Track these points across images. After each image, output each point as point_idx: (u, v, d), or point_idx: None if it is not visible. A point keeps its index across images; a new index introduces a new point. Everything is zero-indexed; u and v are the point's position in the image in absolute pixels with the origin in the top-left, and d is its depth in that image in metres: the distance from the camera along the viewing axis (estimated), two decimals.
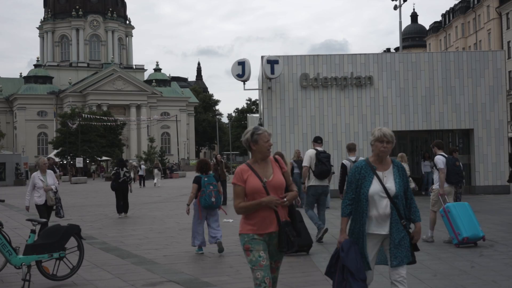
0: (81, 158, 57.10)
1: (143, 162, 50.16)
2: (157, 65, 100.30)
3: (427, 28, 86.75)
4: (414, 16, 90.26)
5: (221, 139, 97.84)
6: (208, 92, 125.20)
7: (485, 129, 20.78)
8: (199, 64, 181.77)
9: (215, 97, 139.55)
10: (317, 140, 10.53)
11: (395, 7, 34.07)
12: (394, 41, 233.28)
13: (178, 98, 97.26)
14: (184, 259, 9.06)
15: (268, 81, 20.34)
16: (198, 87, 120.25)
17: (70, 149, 62.65)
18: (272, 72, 19.83)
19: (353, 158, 10.41)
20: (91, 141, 64.69)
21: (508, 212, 14.60)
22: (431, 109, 20.74)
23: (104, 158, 65.42)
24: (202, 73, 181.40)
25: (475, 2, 67.74)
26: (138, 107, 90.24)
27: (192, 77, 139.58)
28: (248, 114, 63.60)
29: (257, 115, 33.21)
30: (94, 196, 26.96)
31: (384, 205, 4.60)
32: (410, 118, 20.78)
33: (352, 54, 21.33)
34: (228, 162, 47.46)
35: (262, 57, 20.36)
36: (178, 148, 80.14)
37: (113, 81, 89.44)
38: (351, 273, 4.52)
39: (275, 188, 4.49)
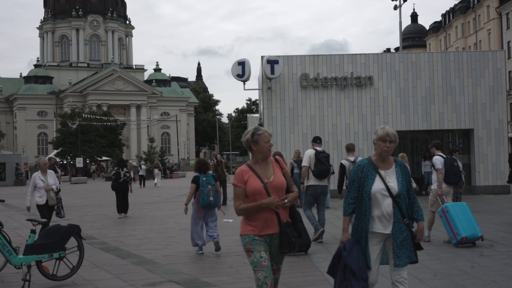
0: (81, 158, 57.11)
1: (143, 162, 50.15)
2: (157, 65, 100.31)
3: (427, 28, 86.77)
4: (414, 16, 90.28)
5: (221, 139, 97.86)
6: (208, 92, 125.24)
7: (485, 129, 20.78)
8: (199, 64, 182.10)
9: (215, 97, 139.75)
10: (316, 140, 10.54)
11: (395, 7, 34.08)
12: (394, 41, 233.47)
13: (178, 98, 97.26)
14: (184, 259, 9.06)
15: (268, 81, 20.35)
16: (198, 87, 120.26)
17: (70, 149, 62.67)
18: (272, 72, 19.83)
19: (352, 158, 10.42)
20: (91, 141, 64.70)
21: (508, 212, 14.61)
22: (431, 109, 20.74)
23: (104, 158, 65.43)
24: (202, 73, 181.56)
25: (475, 2, 67.75)
26: (138, 107, 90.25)
27: (192, 77, 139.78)
28: (248, 114, 63.60)
29: (257, 115, 33.22)
30: (94, 196, 26.96)
31: (386, 204, 4.57)
32: (410, 118, 20.78)
33: (352, 54, 21.33)
34: (228, 162, 47.44)
35: (262, 57, 20.36)
36: (178, 148, 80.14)
37: (113, 81, 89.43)
38: (353, 273, 4.50)
39: (276, 189, 4.47)
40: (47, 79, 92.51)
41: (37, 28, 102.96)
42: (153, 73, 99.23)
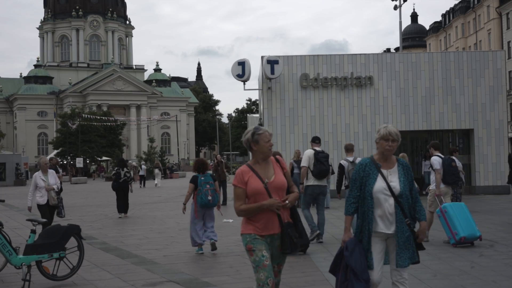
0: (81, 158, 57.13)
1: (143, 162, 50.17)
2: (157, 65, 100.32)
3: (427, 28, 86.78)
4: (414, 16, 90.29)
5: (221, 139, 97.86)
6: (208, 92, 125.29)
7: (485, 129, 20.78)
8: (199, 64, 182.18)
9: (215, 97, 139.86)
10: (315, 140, 10.55)
11: (395, 7, 34.08)
12: (394, 41, 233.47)
13: (178, 98, 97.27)
14: (184, 259, 9.06)
15: (268, 81, 20.34)
16: (198, 87, 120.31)
17: (70, 149, 62.68)
18: (272, 72, 19.83)
19: (350, 159, 10.43)
20: (91, 141, 64.72)
21: (508, 212, 14.60)
22: (431, 109, 20.74)
23: (104, 158, 65.44)
24: (202, 73, 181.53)
25: (475, 2, 67.75)
26: (138, 107, 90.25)
27: (192, 77, 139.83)
28: (248, 114, 63.60)
29: (257, 115, 33.21)
30: (94, 196, 26.96)
31: (388, 204, 4.54)
32: (410, 118, 20.78)
33: (352, 54, 21.33)
34: (228, 162, 47.44)
35: (262, 57, 20.36)
36: (178, 148, 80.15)
37: (113, 81, 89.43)
38: (354, 273, 4.47)
39: (277, 189, 4.45)
40: (47, 79, 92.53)
41: (37, 28, 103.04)
42: (153, 73, 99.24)
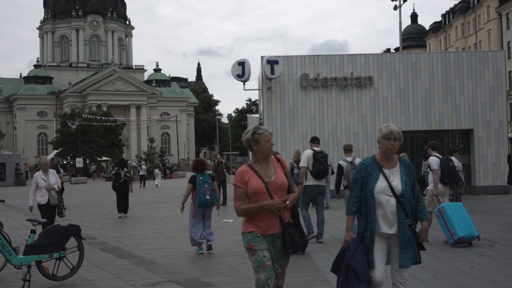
0: (81, 159, 57.13)
1: (143, 162, 50.19)
2: (157, 65, 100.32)
3: (427, 28, 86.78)
4: (414, 16, 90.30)
5: (221, 139, 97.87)
6: (208, 92, 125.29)
7: (485, 129, 20.78)
8: (199, 64, 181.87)
9: (215, 97, 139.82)
10: (314, 141, 10.57)
11: (395, 7, 34.07)
12: (394, 41, 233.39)
13: (178, 99, 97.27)
14: (184, 259, 9.06)
15: (268, 82, 20.35)
16: (198, 87, 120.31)
17: (70, 150, 62.68)
18: (272, 72, 19.83)
19: (349, 159, 10.44)
20: (91, 141, 64.71)
21: (508, 212, 14.60)
22: (431, 109, 20.75)
23: (104, 158, 65.43)
24: (202, 74, 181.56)
25: (475, 2, 67.76)
26: (138, 108, 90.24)
27: (192, 77, 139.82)
28: (248, 115, 63.63)
29: (257, 115, 33.20)
30: (94, 196, 26.96)
31: (390, 204, 4.51)
32: (410, 118, 20.78)
33: (352, 54, 21.33)
34: (228, 162, 47.45)
35: (262, 57, 20.36)
36: (178, 149, 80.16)
37: (113, 82, 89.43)
38: (355, 275, 4.44)
39: (277, 189, 4.44)
40: (47, 79, 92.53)
41: (37, 28, 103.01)
42: (153, 73, 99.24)
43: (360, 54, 21.11)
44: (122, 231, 12.87)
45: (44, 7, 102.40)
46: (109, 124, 66.71)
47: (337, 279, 4.68)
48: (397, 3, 33.88)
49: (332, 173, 14.09)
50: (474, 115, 20.79)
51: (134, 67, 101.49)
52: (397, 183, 4.55)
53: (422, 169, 20.97)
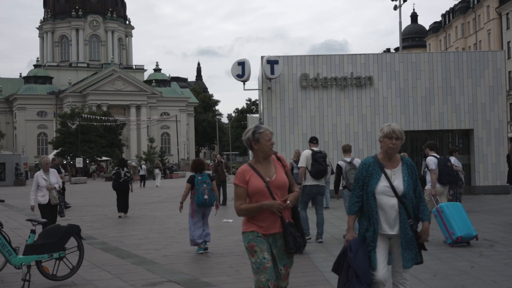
0: (81, 158, 57.13)
1: (143, 162, 50.20)
2: (157, 65, 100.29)
3: (427, 28, 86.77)
4: (414, 16, 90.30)
5: (221, 139, 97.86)
6: (208, 92, 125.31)
7: (485, 129, 20.78)
8: (199, 64, 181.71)
9: (215, 97, 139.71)
10: (313, 141, 10.57)
11: (395, 7, 34.07)
12: (394, 41, 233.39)
13: (178, 98, 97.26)
14: (184, 259, 9.06)
15: (268, 81, 20.35)
16: (198, 87, 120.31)
17: (70, 149, 62.67)
18: (272, 72, 19.83)
19: (348, 159, 10.45)
20: (91, 141, 64.71)
21: (508, 212, 14.59)
22: (431, 109, 20.75)
23: (104, 158, 65.44)
24: (202, 73, 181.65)
25: (475, 2, 67.75)
26: (138, 107, 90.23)
27: (192, 77, 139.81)
28: (248, 114, 63.62)
29: (257, 115, 33.21)
30: (94, 196, 26.95)
31: (392, 204, 4.48)
32: (410, 118, 20.78)
33: (352, 54, 21.33)
34: (228, 162, 47.45)
35: (262, 57, 20.36)
36: (178, 148, 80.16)
37: (113, 81, 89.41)
38: (356, 276, 4.41)
39: (278, 188, 4.41)
40: (47, 79, 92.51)
41: (37, 28, 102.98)
42: (153, 73, 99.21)
43: (360, 54, 21.11)
44: (122, 231, 12.87)
45: (44, 7, 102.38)
46: (109, 124, 66.71)
47: (338, 279, 4.65)
48: (397, 3, 33.90)
49: (332, 173, 14.08)
50: (474, 115, 20.79)
51: (134, 67, 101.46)
52: (398, 183, 4.52)
53: (422, 169, 21.00)
